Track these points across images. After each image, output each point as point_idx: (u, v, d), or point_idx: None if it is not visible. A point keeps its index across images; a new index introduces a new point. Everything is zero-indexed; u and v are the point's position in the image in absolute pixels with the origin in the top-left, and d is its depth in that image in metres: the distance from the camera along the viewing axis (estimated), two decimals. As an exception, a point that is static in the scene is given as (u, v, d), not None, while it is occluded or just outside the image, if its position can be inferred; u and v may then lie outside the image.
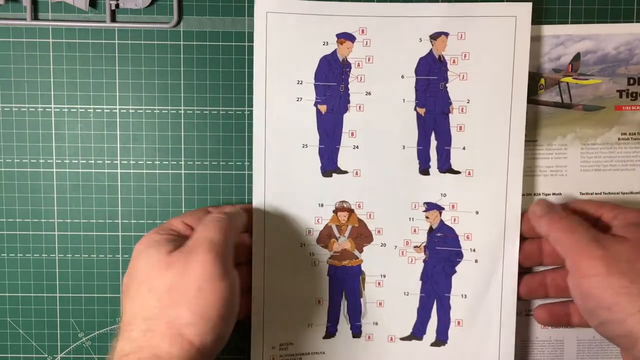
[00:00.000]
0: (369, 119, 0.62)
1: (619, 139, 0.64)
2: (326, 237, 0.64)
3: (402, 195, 0.63)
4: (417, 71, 0.61)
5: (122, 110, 0.63)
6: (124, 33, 0.63)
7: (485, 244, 0.63)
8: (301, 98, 0.62)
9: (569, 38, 0.63)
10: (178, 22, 0.63)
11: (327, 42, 0.61)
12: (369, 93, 0.62)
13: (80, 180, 0.64)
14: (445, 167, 0.62)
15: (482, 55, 0.61)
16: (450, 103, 0.62)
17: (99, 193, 0.64)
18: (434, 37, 0.61)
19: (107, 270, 0.65)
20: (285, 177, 0.62)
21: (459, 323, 0.64)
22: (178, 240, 0.54)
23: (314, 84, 0.62)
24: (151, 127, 0.64)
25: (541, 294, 0.63)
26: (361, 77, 0.62)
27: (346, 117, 0.62)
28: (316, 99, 0.62)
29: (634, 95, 0.64)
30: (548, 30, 0.63)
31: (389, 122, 0.62)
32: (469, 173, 0.62)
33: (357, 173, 0.63)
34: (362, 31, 0.61)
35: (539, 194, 0.64)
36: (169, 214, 0.64)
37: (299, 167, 0.62)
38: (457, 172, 0.62)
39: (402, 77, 0.62)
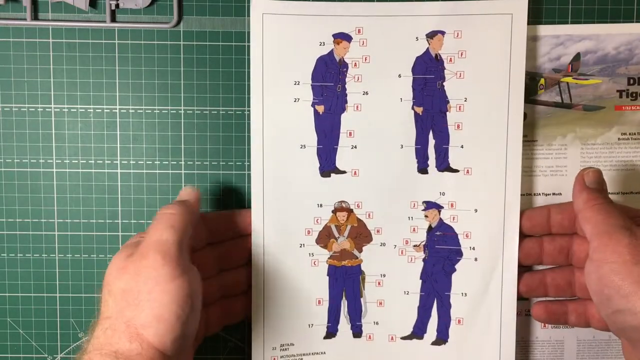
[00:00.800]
0: (367, 118, 0.62)
1: (619, 139, 0.64)
2: (325, 237, 0.63)
3: (401, 194, 0.63)
4: (414, 70, 0.61)
5: (122, 110, 0.64)
6: (124, 33, 0.63)
7: (484, 242, 0.63)
8: (298, 99, 0.62)
9: (569, 38, 0.63)
10: (178, 22, 0.63)
11: (324, 43, 0.61)
12: (366, 93, 0.62)
13: (80, 180, 0.64)
14: (444, 165, 0.62)
15: (479, 53, 0.61)
16: (448, 101, 0.62)
17: (99, 193, 0.64)
18: (431, 35, 0.61)
19: (107, 270, 0.65)
20: (283, 178, 0.62)
21: (459, 322, 0.64)
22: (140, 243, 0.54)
23: (311, 85, 0.62)
24: (151, 127, 0.64)
25: (541, 293, 0.63)
26: (358, 77, 0.62)
27: (344, 117, 0.62)
28: (313, 99, 0.62)
29: (634, 95, 0.64)
30: (548, 30, 0.63)
31: (386, 122, 0.62)
32: (468, 171, 0.62)
33: (355, 173, 0.63)
34: (359, 31, 0.61)
35: (539, 194, 0.64)
36: (169, 214, 0.64)
37: (297, 168, 0.62)
38: (456, 171, 0.62)
39: (399, 76, 0.62)
